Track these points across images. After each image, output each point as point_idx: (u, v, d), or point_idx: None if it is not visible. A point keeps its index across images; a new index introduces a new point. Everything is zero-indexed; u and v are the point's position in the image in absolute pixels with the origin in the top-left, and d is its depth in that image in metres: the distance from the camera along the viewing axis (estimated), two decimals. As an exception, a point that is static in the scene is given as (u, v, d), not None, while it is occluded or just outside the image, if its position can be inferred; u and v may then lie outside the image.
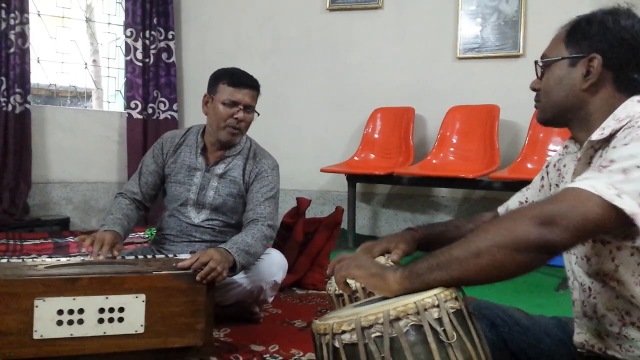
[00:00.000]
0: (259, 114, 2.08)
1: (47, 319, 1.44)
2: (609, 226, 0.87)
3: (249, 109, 2.02)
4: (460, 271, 0.89)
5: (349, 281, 1.29)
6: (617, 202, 0.84)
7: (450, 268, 0.90)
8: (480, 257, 0.88)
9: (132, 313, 1.50)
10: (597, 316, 1.04)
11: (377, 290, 0.98)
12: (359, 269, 1.00)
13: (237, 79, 2.01)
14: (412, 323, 0.86)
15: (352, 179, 3.78)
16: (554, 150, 3.25)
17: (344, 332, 0.89)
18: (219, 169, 2.07)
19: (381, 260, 1.21)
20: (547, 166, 1.26)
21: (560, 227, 0.85)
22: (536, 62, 1.12)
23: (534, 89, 1.13)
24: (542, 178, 1.27)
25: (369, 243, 1.28)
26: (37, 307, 1.43)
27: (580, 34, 1.04)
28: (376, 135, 4.05)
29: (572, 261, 1.10)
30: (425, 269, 0.92)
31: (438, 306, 0.88)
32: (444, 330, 0.86)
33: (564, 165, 1.17)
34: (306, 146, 4.40)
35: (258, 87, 2.06)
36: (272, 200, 2.03)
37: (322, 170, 3.75)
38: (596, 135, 1.01)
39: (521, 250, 0.86)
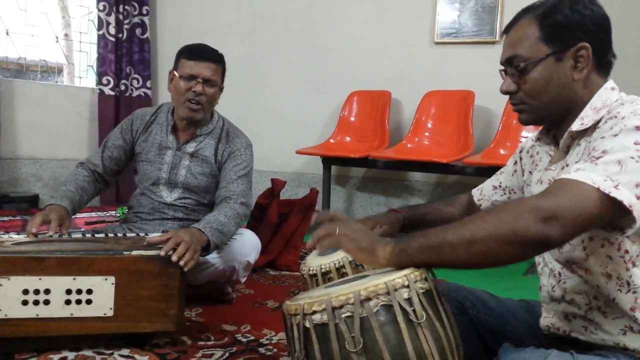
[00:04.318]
0: (222, 89, 2.04)
1: (12, 298, 1.41)
2: (605, 219, 0.88)
3: (209, 82, 1.97)
4: (452, 257, 0.89)
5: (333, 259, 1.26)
6: (615, 194, 0.85)
7: (442, 252, 0.90)
8: (474, 245, 0.87)
9: (100, 295, 1.47)
10: (566, 299, 1.06)
11: (365, 264, 0.98)
12: (350, 241, 0.98)
13: (197, 52, 1.97)
14: (382, 303, 0.87)
15: (328, 161, 3.77)
16: (526, 137, 3.28)
17: (314, 312, 0.89)
18: (190, 147, 2.04)
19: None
20: (520, 151, 1.27)
21: (560, 223, 0.85)
22: (511, 66, 1.06)
23: (507, 92, 1.09)
24: (515, 162, 1.28)
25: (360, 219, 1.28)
26: (1, 285, 1.40)
27: (558, 27, 1.01)
28: (352, 118, 4.04)
29: None
30: (415, 249, 0.92)
31: (408, 286, 0.88)
32: (414, 310, 0.87)
33: (537, 153, 1.18)
34: (282, 127, 4.37)
35: (219, 61, 2.01)
36: (245, 179, 2.01)
37: (298, 152, 3.74)
38: (576, 126, 1.01)
39: (517, 243, 0.86)
